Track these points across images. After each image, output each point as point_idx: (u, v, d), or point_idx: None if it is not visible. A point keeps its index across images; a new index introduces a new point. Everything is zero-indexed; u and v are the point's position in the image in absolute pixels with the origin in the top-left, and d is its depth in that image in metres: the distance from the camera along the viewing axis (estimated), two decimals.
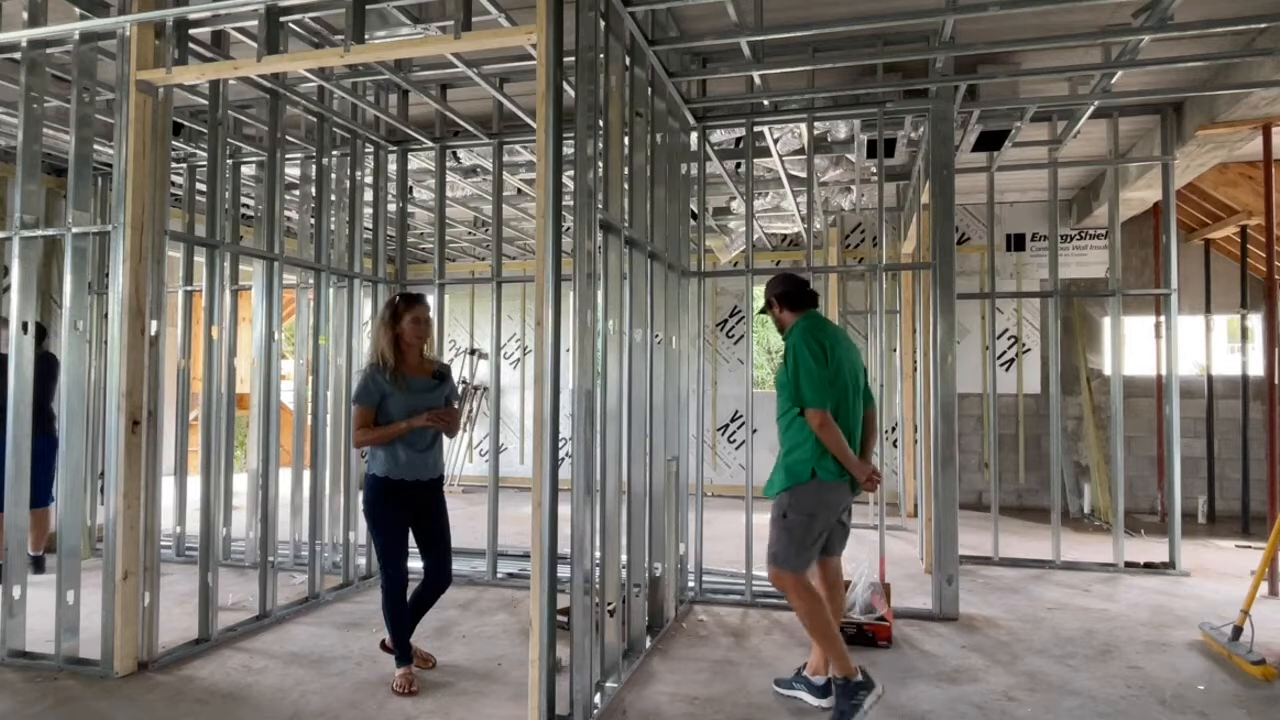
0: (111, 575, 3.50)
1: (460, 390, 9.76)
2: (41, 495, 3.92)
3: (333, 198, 5.10)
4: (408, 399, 3.41)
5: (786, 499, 3.20)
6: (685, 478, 4.72)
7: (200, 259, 5.53)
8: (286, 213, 5.67)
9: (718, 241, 8.02)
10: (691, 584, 4.81)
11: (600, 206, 3.23)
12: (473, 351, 9.92)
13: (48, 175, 5.77)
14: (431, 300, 5.69)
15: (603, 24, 3.32)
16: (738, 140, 5.73)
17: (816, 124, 5.13)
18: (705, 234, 6.45)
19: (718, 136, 5.60)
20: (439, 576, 3.53)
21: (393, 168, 5.56)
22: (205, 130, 4.93)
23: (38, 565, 4.97)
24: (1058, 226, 5.71)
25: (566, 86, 3.47)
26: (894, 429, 8.08)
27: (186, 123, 5.25)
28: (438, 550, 3.53)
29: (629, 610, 3.69)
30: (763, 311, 3.57)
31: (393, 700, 3.28)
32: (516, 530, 6.46)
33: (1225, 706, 3.24)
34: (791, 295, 3.42)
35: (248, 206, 6.86)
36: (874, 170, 6.14)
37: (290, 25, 4.02)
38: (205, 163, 5.43)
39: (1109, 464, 6.67)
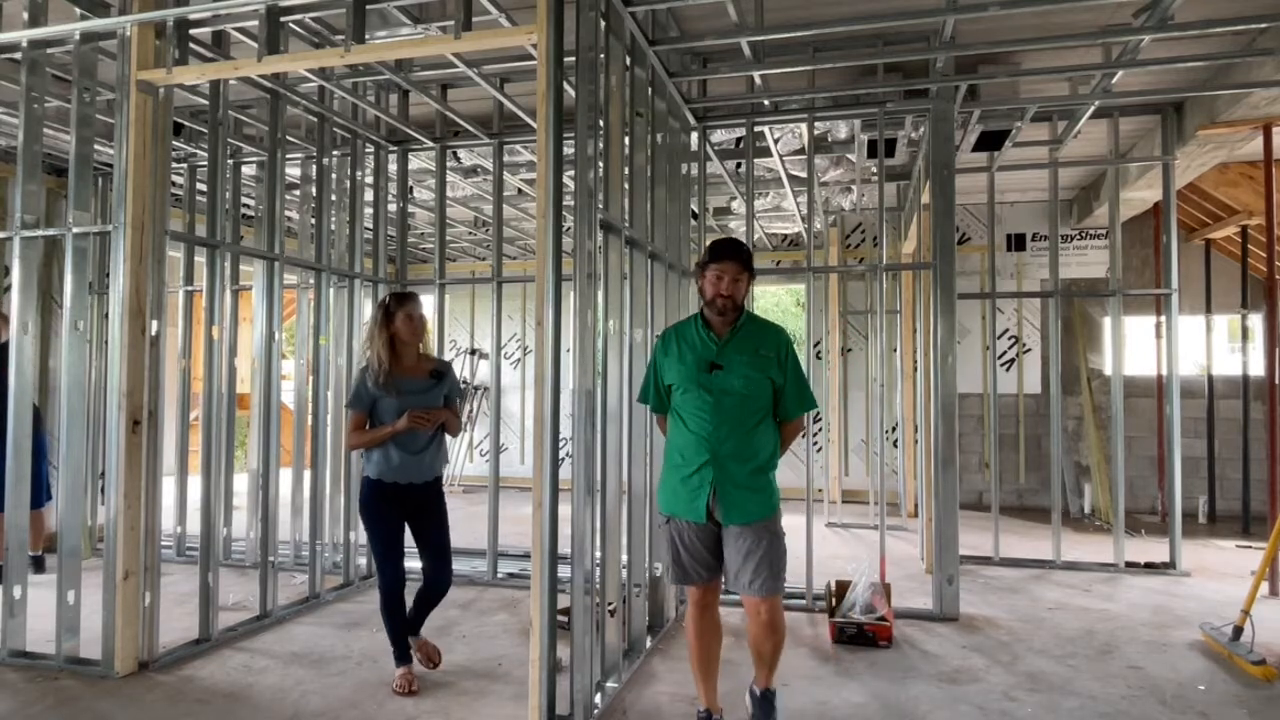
0: (112, 575, 3.50)
1: (461, 390, 9.74)
2: (36, 495, 3.93)
3: (333, 198, 5.10)
4: (400, 402, 3.35)
5: (778, 518, 2.86)
6: None
7: (201, 259, 5.53)
8: (287, 213, 5.67)
9: None
10: None
11: (601, 206, 3.23)
12: (473, 351, 9.92)
13: (48, 175, 5.77)
14: (432, 300, 5.75)
15: (603, 24, 3.32)
16: (738, 140, 5.72)
17: (817, 124, 5.12)
18: (705, 234, 6.45)
19: (718, 136, 5.60)
20: (436, 582, 3.49)
21: (393, 168, 5.56)
22: (206, 130, 4.93)
23: (38, 565, 4.97)
24: (1058, 226, 5.70)
25: (567, 86, 3.47)
26: (894, 429, 8.08)
27: (187, 123, 5.25)
28: (435, 555, 3.48)
29: (629, 610, 3.69)
30: (705, 265, 2.84)
31: (393, 700, 3.28)
32: (517, 530, 6.45)
33: (1226, 707, 3.24)
34: None
35: (248, 206, 6.87)
36: (874, 170, 6.14)
37: (290, 25, 4.02)
38: (206, 163, 5.45)
39: (1109, 464, 6.67)
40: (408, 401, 3.36)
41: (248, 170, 6.02)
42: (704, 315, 2.92)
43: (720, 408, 2.80)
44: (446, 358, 9.45)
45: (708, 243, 3.05)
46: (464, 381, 9.70)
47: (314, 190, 4.84)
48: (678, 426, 2.89)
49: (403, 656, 3.43)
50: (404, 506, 3.41)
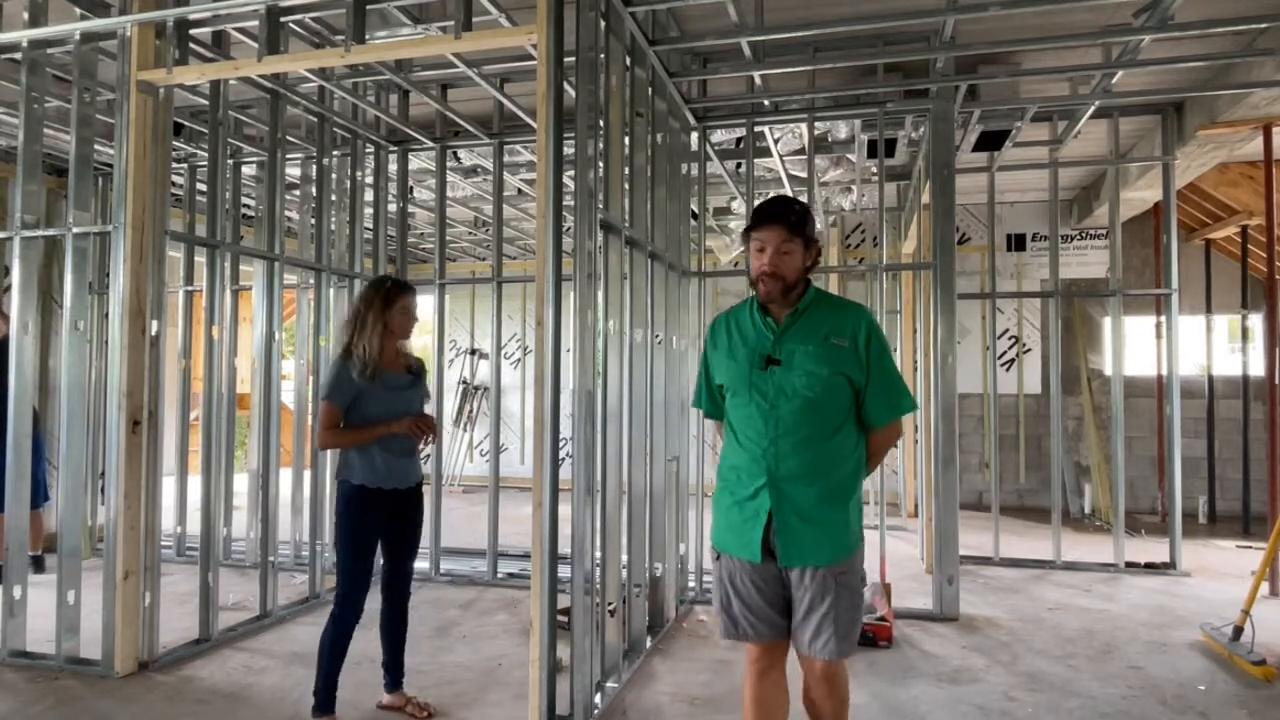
0: (112, 575, 3.50)
1: (460, 391, 9.75)
2: (34, 495, 3.93)
3: (333, 198, 5.11)
4: (386, 398, 3.03)
5: (855, 563, 2.25)
6: (685, 478, 4.72)
7: (201, 259, 5.53)
8: (287, 213, 5.67)
9: (718, 241, 8.01)
10: (692, 584, 4.81)
11: (601, 206, 3.23)
12: (473, 351, 9.93)
13: (48, 175, 5.76)
14: (432, 300, 5.74)
15: (603, 24, 3.32)
16: (738, 140, 5.72)
17: (817, 124, 5.12)
18: (705, 234, 6.44)
19: (718, 136, 5.59)
20: (397, 596, 3.18)
21: (393, 168, 5.56)
22: (206, 130, 4.93)
23: (38, 565, 4.97)
24: (1058, 226, 5.70)
25: (567, 86, 3.46)
26: None
27: (187, 123, 5.25)
28: (400, 570, 3.18)
29: (629, 610, 3.69)
30: (746, 232, 2.24)
31: None
32: (517, 530, 6.45)
33: (1226, 707, 3.24)
34: None
35: (248, 206, 6.86)
36: (874, 170, 6.14)
37: (291, 25, 4.02)
38: (206, 163, 5.44)
39: (1109, 464, 6.66)
40: (393, 398, 3.06)
41: (248, 170, 6.01)
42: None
43: (777, 416, 2.17)
44: (446, 358, 9.48)
45: (708, 243, 2.98)
46: (463, 381, 9.71)
47: (314, 190, 4.85)
48: (730, 439, 2.29)
49: (326, 705, 3.02)
50: (385, 515, 3.07)
